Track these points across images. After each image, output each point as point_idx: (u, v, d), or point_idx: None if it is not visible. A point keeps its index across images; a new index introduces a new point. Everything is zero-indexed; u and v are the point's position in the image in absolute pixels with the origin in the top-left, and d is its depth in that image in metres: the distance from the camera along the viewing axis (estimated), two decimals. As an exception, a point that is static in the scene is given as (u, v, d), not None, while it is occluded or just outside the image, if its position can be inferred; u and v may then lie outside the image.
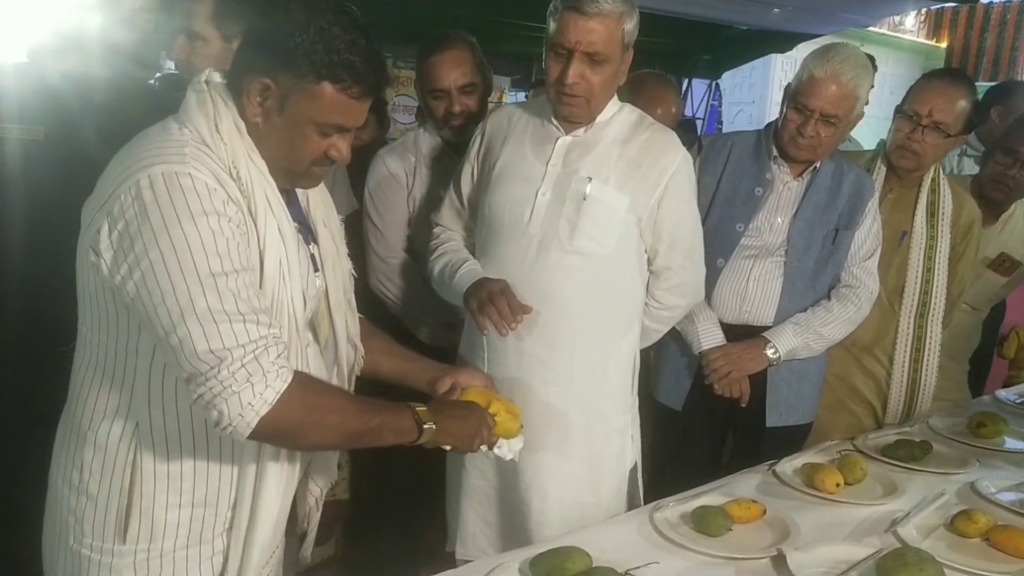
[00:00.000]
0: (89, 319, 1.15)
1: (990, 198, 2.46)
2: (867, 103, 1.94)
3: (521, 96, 6.32)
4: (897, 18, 11.43)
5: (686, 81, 6.94)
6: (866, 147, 2.63)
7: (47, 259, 1.34)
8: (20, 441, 1.50)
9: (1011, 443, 2.06)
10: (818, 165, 2.01)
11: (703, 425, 2.10)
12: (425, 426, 1.22)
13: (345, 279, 1.34)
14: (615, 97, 1.70)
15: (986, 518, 1.52)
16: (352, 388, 1.39)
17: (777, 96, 2.01)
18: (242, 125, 1.14)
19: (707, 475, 1.79)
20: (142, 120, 1.18)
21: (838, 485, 1.67)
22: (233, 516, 1.19)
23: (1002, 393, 2.48)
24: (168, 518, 1.16)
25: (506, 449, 1.42)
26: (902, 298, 2.19)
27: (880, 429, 2.15)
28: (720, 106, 7.91)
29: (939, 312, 2.20)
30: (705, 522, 1.48)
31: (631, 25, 1.59)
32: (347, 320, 1.33)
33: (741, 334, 2.00)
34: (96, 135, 1.44)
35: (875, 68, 1.94)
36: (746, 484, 1.71)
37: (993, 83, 5.16)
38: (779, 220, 2.00)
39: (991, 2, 10.29)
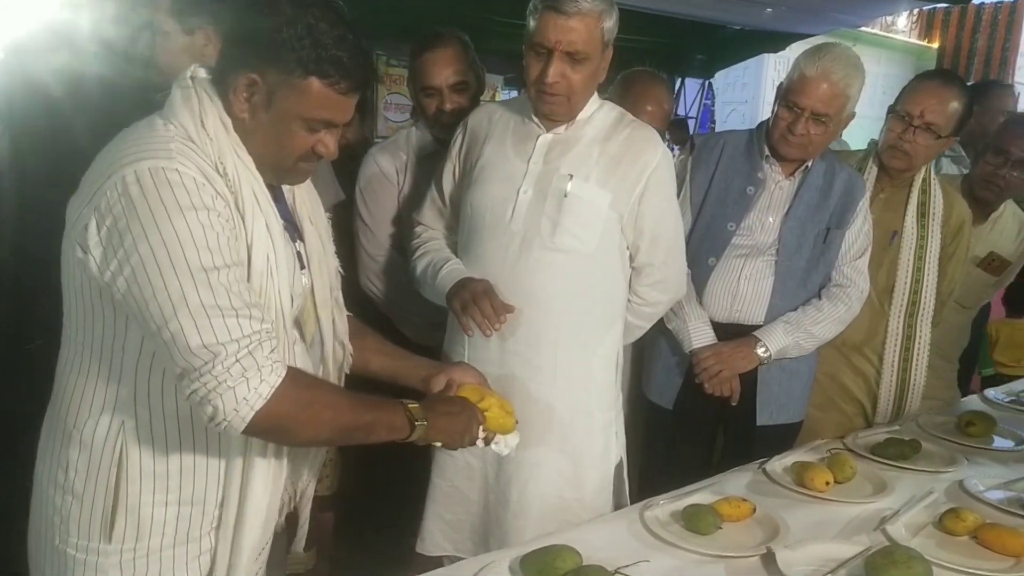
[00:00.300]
0: (74, 317, 1.14)
1: (980, 198, 2.47)
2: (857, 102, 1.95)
3: (514, 94, 6.32)
4: (889, 18, 11.47)
5: (679, 80, 6.96)
6: (855, 147, 2.63)
7: (19, 257, 1.33)
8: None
9: (999, 442, 2.07)
10: (810, 164, 2.01)
11: (694, 424, 2.10)
12: (417, 423, 1.22)
13: (332, 276, 1.33)
14: (595, 95, 1.71)
15: (974, 516, 1.53)
16: (342, 386, 1.39)
17: (770, 96, 2.02)
18: (228, 121, 1.13)
19: (697, 474, 1.79)
20: (131, 118, 1.17)
21: (828, 483, 1.67)
22: (220, 514, 1.19)
23: (991, 392, 2.49)
24: (154, 517, 1.15)
25: (503, 445, 1.42)
26: (892, 298, 2.20)
27: (870, 428, 2.16)
28: (713, 105, 7.93)
29: (929, 312, 2.21)
30: (695, 520, 1.48)
31: (611, 23, 1.60)
32: (334, 318, 1.33)
33: (732, 333, 2.01)
34: (90, 135, 1.43)
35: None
36: (736, 483, 1.72)
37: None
38: (770, 219, 2.01)
39: (983, 3, 10.34)
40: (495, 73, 6.20)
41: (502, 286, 1.64)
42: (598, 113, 1.71)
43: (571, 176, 1.65)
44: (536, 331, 1.66)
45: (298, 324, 1.24)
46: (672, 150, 2.08)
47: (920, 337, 2.21)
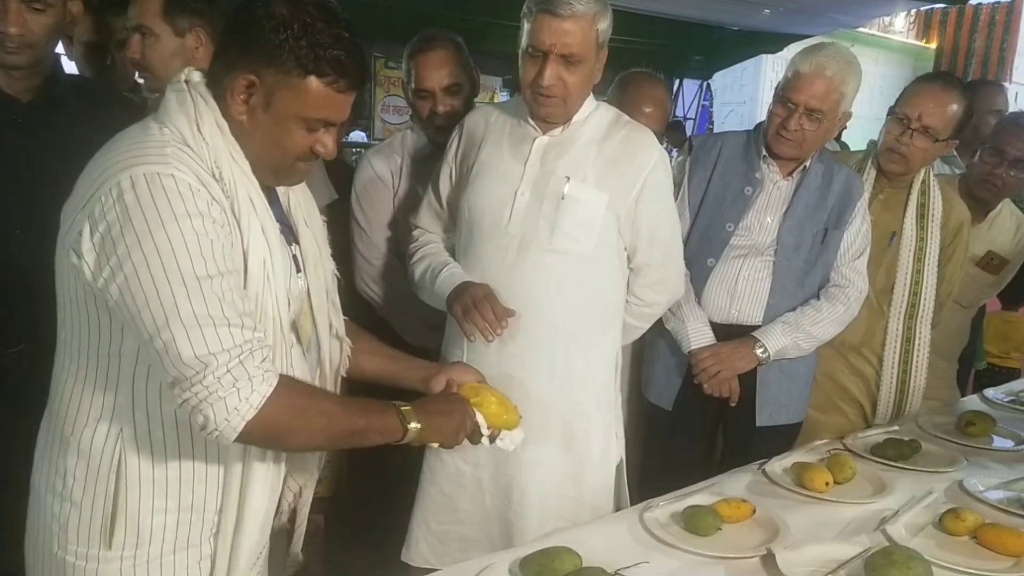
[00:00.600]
0: (69, 323, 1.13)
1: (978, 197, 2.47)
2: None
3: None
4: (887, 19, 11.48)
5: (677, 81, 6.97)
6: (855, 148, 2.64)
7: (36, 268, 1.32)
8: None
9: (999, 442, 2.07)
10: (807, 164, 2.01)
11: (693, 425, 2.10)
12: (410, 426, 1.22)
13: (328, 279, 1.33)
14: (591, 96, 1.71)
15: (974, 516, 1.53)
16: (339, 388, 1.38)
17: (768, 96, 2.02)
18: (224, 124, 1.12)
19: (697, 475, 1.79)
20: (114, 121, 1.17)
21: (827, 484, 1.67)
22: (220, 520, 1.18)
23: (991, 392, 2.49)
24: (154, 523, 1.14)
25: (508, 441, 1.41)
26: (891, 298, 2.20)
27: (869, 428, 2.16)
28: (711, 106, 7.94)
29: (928, 314, 2.21)
30: (695, 522, 1.48)
31: (605, 24, 1.60)
32: (331, 320, 1.32)
33: (730, 333, 2.01)
34: (82, 141, 1.43)
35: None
36: (736, 483, 1.71)
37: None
38: (768, 219, 2.01)
39: (980, 3, 10.35)
40: (494, 75, 6.21)
41: (500, 288, 1.64)
42: (594, 115, 1.71)
43: (568, 178, 1.65)
44: (535, 333, 1.66)
45: (295, 328, 1.24)
46: (670, 152, 2.08)
47: (920, 338, 2.21)
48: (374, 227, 2.12)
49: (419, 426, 1.22)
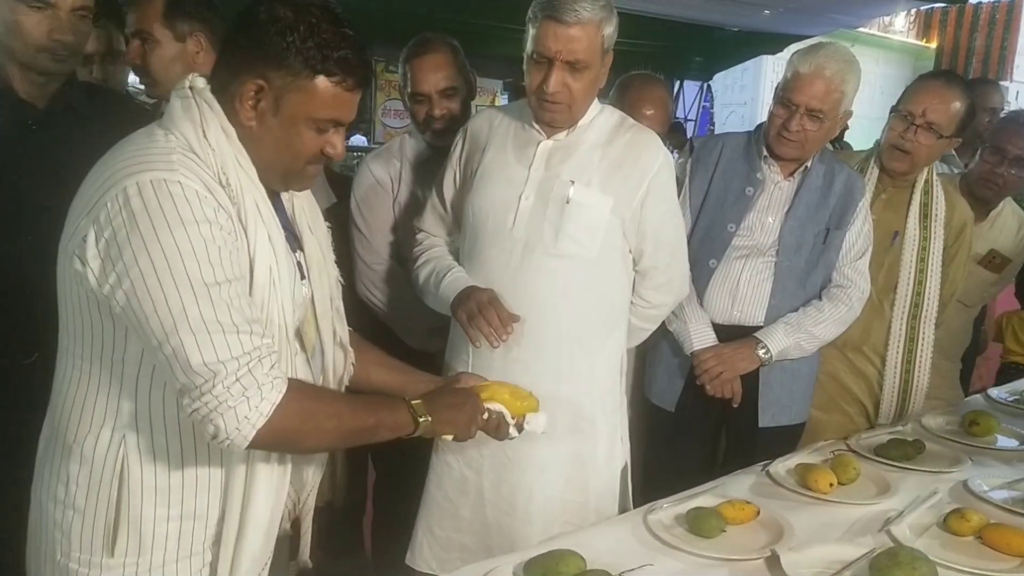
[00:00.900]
0: (72, 330, 1.13)
1: (979, 196, 2.47)
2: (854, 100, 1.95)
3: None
4: (887, 19, 11.48)
5: (678, 83, 6.97)
6: (857, 149, 2.64)
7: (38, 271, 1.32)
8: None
9: (1003, 441, 2.06)
10: (809, 165, 2.01)
11: (696, 426, 2.09)
12: (421, 419, 1.23)
13: (332, 286, 1.33)
14: (596, 99, 1.70)
15: (979, 516, 1.52)
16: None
17: (769, 97, 2.02)
18: (231, 130, 1.12)
19: (700, 476, 1.78)
20: (126, 128, 1.17)
21: (831, 485, 1.67)
22: (221, 528, 1.18)
23: (994, 391, 2.49)
24: (157, 531, 1.14)
25: (535, 424, 1.42)
26: (893, 298, 2.20)
27: (873, 429, 2.16)
28: (712, 107, 7.94)
29: (932, 314, 2.21)
30: (699, 523, 1.48)
31: (611, 29, 1.59)
32: (335, 327, 1.32)
33: (732, 334, 2.00)
34: (86, 146, 1.44)
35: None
36: (740, 485, 1.71)
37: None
38: (770, 220, 2.01)
39: (980, 2, 10.35)
40: (495, 78, 6.20)
41: (505, 293, 1.64)
42: (598, 118, 1.71)
43: (573, 182, 1.64)
44: (539, 337, 1.66)
45: (299, 335, 1.24)
46: (671, 153, 2.08)
47: (923, 339, 2.21)
48: (374, 232, 2.12)
49: (430, 419, 1.23)
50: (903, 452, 1.87)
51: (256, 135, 1.13)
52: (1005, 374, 3.19)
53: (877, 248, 2.12)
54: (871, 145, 2.31)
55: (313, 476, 1.36)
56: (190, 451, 1.14)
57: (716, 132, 7.70)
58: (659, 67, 2.94)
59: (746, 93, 12.28)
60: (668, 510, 1.55)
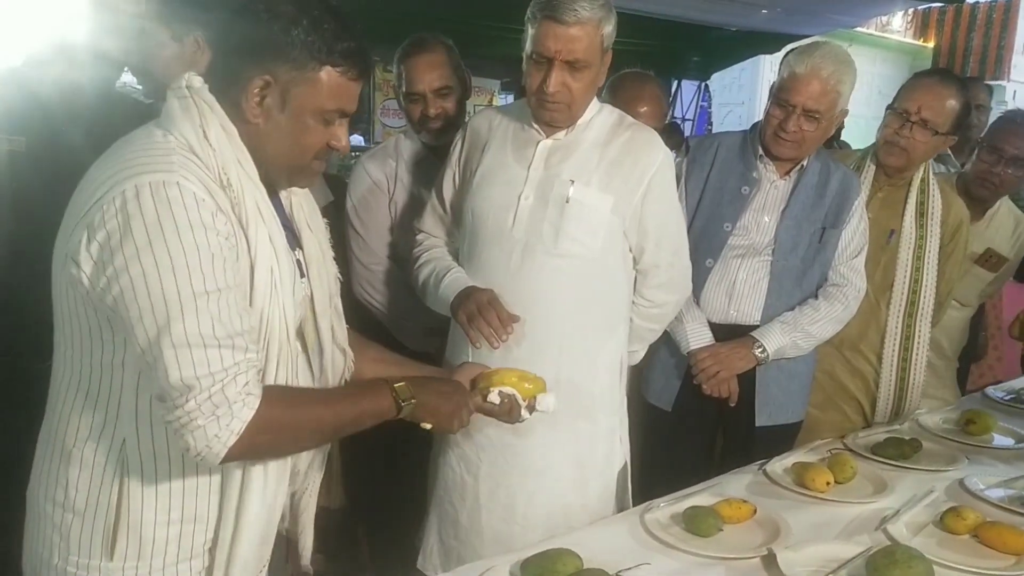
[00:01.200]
0: (69, 335, 1.12)
1: (976, 196, 2.48)
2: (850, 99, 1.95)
3: (511, 99, 6.31)
4: (884, 18, 11.47)
5: (676, 82, 6.96)
6: (855, 148, 2.64)
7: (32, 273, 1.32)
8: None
9: (1000, 439, 2.07)
10: (805, 164, 2.01)
11: (693, 425, 2.10)
12: (404, 403, 1.23)
13: (331, 284, 1.32)
14: (595, 99, 1.70)
15: (975, 515, 1.53)
16: None
17: (766, 97, 2.02)
18: (232, 129, 1.12)
19: (697, 475, 1.79)
20: (129, 130, 1.16)
21: (828, 484, 1.67)
22: (217, 531, 1.17)
23: (991, 390, 2.49)
24: (156, 535, 1.14)
25: (545, 404, 1.44)
26: (889, 296, 2.20)
27: (870, 427, 2.16)
28: (710, 107, 7.92)
29: (928, 311, 2.21)
30: (696, 522, 1.48)
31: (610, 28, 1.59)
32: (333, 326, 1.32)
33: (729, 333, 2.01)
34: (83, 145, 1.43)
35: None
36: (736, 484, 1.71)
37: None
38: (766, 219, 2.01)
39: (977, 2, 10.35)
40: (492, 78, 6.19)
41: (505, 293, 1.63)
42: (597, 117, 1.71)
43: (572, 182, 1.64)
44: (540, 337, 1.65)
45: (300, 334, 1.24)
46: (668, 154, 2.07)
47: (919, 336, 2.21)
48: (370, 232, 2.12)
49: (414, 403, 1.23)
50: (900, 451, 1.87)
51: (263, 131, 1.13)
52: None
53: (873, 246, 2.12)
54: (869, 144, 2.32)
55: (312, 478, 1.35)
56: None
57: (714, 131, 7.71)
58: (657, 66, 2.93)
59: (744, 93, 12.28)
60: (665, 509, 1.55)
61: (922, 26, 11.51)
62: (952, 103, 2.08)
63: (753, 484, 1.72)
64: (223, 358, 1.03)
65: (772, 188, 2.02)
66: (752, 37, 6.10)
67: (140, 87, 2.04)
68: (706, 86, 7.55)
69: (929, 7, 10.28)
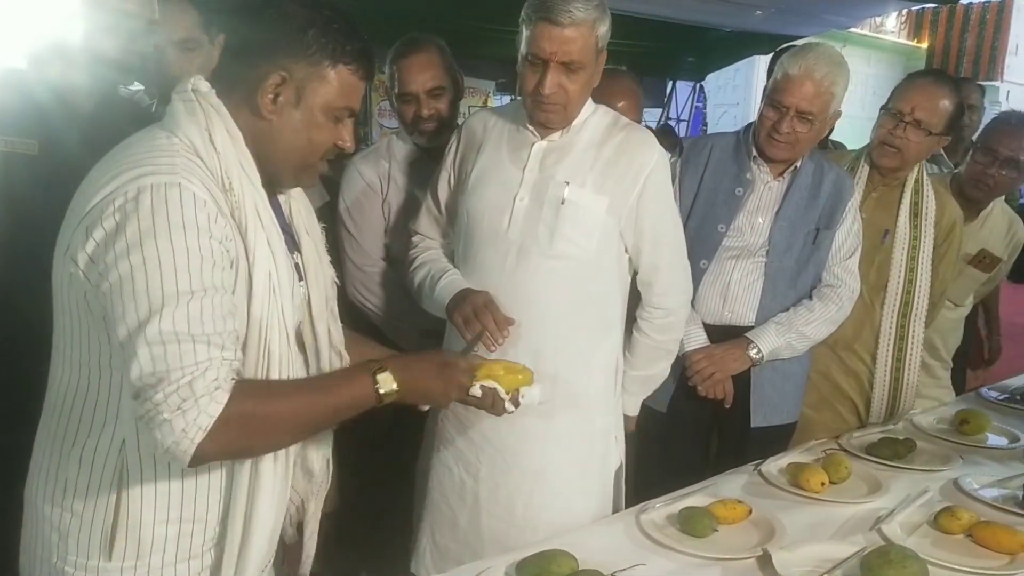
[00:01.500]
0: (68, 335, 1.12)
1: (970, 197, 2.49)
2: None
3: (507, 100, 6.30)
4: (878, 19, 11.53)
5: (671, 83, 6.97)
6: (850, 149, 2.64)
7: (30, 273, 1.31)
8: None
9: (994, 439, 2.08)
10: (798, 165, 2.02)
11: (688, 426, 2.10)
12: (383, 391, 1.18)
13: (327, 287, 1.32)
14: (589, 100, 1.70)
15: (969, 514, 1.53)
16: None
17: (761, 97, 2.03)
18: (237, 133, 1.13)
19: (692, 476, 1.79)
20: (129, 133, 1.16)
21: (823, 484, 1.68)
22: (222, 531, 1.17)
23: (985, 390, 2.50)
24: (156, 534, 1.13)
25: (529, 396, 1.42)
26: (883, 296, 2.21)
27: (864, 427, 2.17)
28: (705, 108, 7.94)
29: (922, 311, 2.22)
30: (691, 523, 1.48)
31: (604, 29, 1.59)
32: (330, 329, 1.32)
33: (723, 335, 2.01)
34: (83, 148, 1.43)
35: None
36: (732, 485, 1.72)
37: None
38: (760, 220, 2.01)
39: (971, 2, 10.40)
40: (487, 78, 6.20)
41: (500, 295, 1.63)
42: (592, 118, 1.71)
43: (567, 183, 1.64)
44: (535, 338, 1.65)
45: (299, 337, 1.24)
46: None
47: (913, 336, 2.22)
48: (364, 234, 2.12)
49: (395, 388, 1.19)
50: (894, 451, 1.88)
51: (275, 127, 1.15)
52: None
53: (868, 246, 2.13)
54: (863, 145, 2.32)
55: (320, 480, 1.35)
56: None
57: (709, 132, 7.72)
58: (652, 68, 2.94)
59: (739, 93, 12.32)
60: (660, 510, 1.56)
61: (916, 27, 11.57)
62: (946, 104, 2.09)
63: (748, 485, 1.73)
64: (196, 352, 1.02)
65: (766, 189, 2.03)
66: (747, 38, 6.11)
67: (140, 87, 2.03)
68: (701, 87, 7.57)
69: (923, 8, 10.32)
